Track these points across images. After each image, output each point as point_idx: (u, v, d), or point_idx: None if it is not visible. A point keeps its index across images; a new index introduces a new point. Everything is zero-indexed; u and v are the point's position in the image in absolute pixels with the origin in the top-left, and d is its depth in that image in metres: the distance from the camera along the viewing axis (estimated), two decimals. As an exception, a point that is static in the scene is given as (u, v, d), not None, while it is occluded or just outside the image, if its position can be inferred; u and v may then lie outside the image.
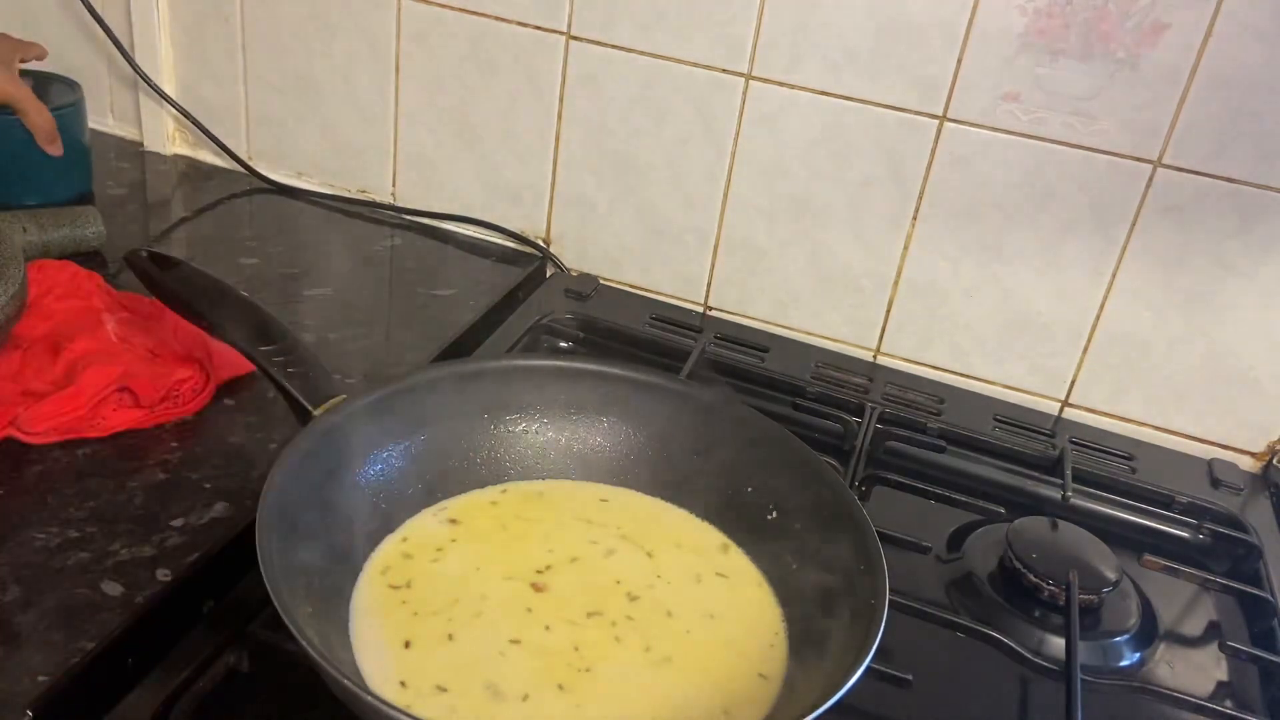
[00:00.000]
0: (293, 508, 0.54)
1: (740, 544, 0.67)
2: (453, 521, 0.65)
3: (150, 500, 0.64)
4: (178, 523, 0.62)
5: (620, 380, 0.72)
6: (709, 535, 0.68)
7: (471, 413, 0.69)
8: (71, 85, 0.98)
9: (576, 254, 1.03)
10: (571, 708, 0.53)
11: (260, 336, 0.65)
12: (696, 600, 0.62)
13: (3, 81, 0.89)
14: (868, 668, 0.50)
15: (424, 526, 0.64)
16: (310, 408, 0.61)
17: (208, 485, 0.66)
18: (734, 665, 0.58)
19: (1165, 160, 0.82)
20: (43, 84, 0.97)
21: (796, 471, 0.66)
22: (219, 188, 1.08)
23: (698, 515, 0.69)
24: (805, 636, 0.60)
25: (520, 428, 0.71)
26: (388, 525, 0.63)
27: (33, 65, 0.97)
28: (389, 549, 0.62)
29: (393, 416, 0.64)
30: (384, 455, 0.64)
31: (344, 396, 0.62)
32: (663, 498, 0.70)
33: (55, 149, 0.92)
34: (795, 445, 0.67)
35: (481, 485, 0.69)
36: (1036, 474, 0.83)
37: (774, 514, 0.66)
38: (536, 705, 0.53)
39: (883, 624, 0.53)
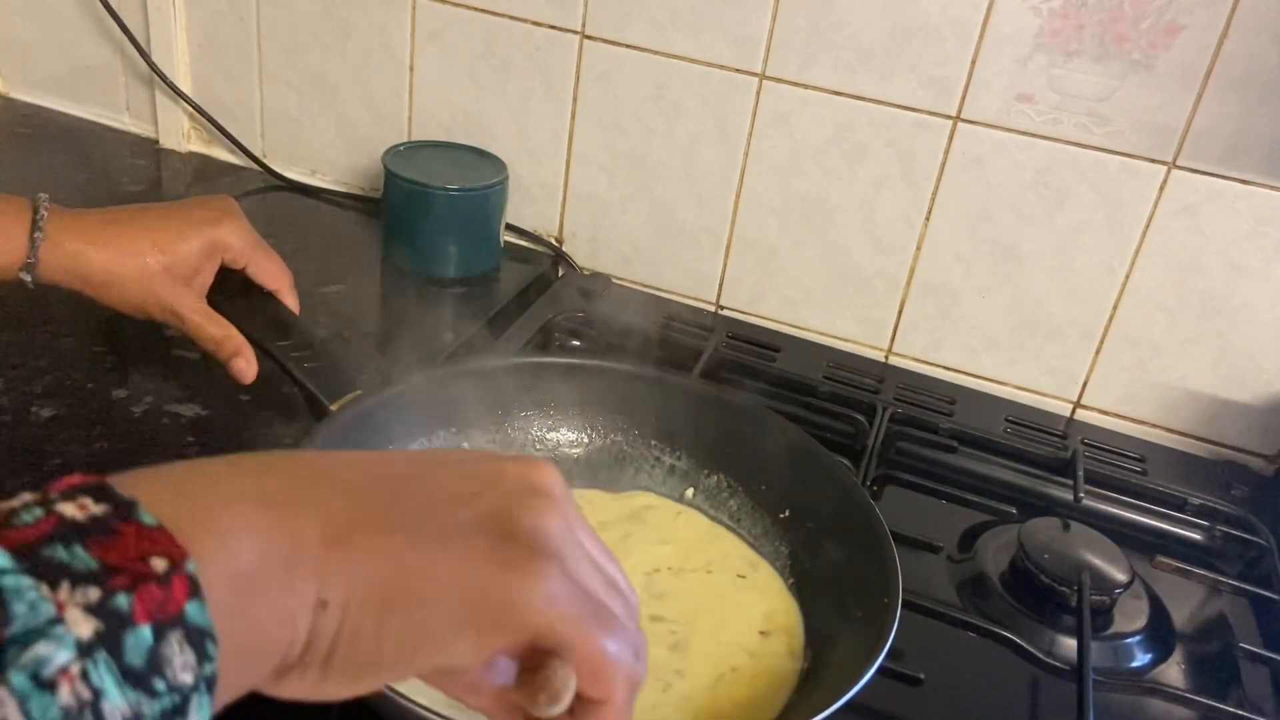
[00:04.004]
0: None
1: (752, 541, 0.67)
2: None
3: (167, 494, 0.64)
4: (194, 517, 0.62)
5: (633, 378, 0.72)
6: (724, 536, 0.68)
7: (487, 409, 0.70)
8: (497, 163, 0.97)
9: (589, 253, 1.03)
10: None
11: (277, 331, 0.66)
12: (708, 598, 0.62)
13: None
14: (879, 667, 0.50)
15: None
16: (327, 403, 0.61)
17: (224, 480, 0.66)
18: (745, 664, 0.58)
19: (1180, 162, 0.82)
20: (470, 160, 0.97)
21: (810, 471, 0.66)
22: (233, 185, 1.08)
23: (712, 515, 0.69)
24: (817, 635, 0.60)
25: (535, 424, 0.71)
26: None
27: (460, 140, 0.97)
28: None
29: (409, 412, 0.65)
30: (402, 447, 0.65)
31: (360, 392, 0.62)
32: (675, 496, 0.70)
33: (243, 372, 0.68)
34: (809, 444, 0.67)
35: None
36: (1048, 475, 0.83)
37: (787, 512, 0.67)
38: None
39: (895, 625, 0.53)
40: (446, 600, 0.29)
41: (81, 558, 0.24)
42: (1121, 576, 0.69)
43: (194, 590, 0.25)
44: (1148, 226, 0.85)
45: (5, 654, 0.21)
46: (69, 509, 0.25)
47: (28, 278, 0.64)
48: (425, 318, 0.90)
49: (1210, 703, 0.63)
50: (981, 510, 0.79)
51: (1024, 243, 0.88)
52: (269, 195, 1.08)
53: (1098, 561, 0.70)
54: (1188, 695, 0.64)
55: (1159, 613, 0.71)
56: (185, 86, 1.10)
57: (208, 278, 0.69)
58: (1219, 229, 0.83)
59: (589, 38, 0.94)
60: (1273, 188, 0.80)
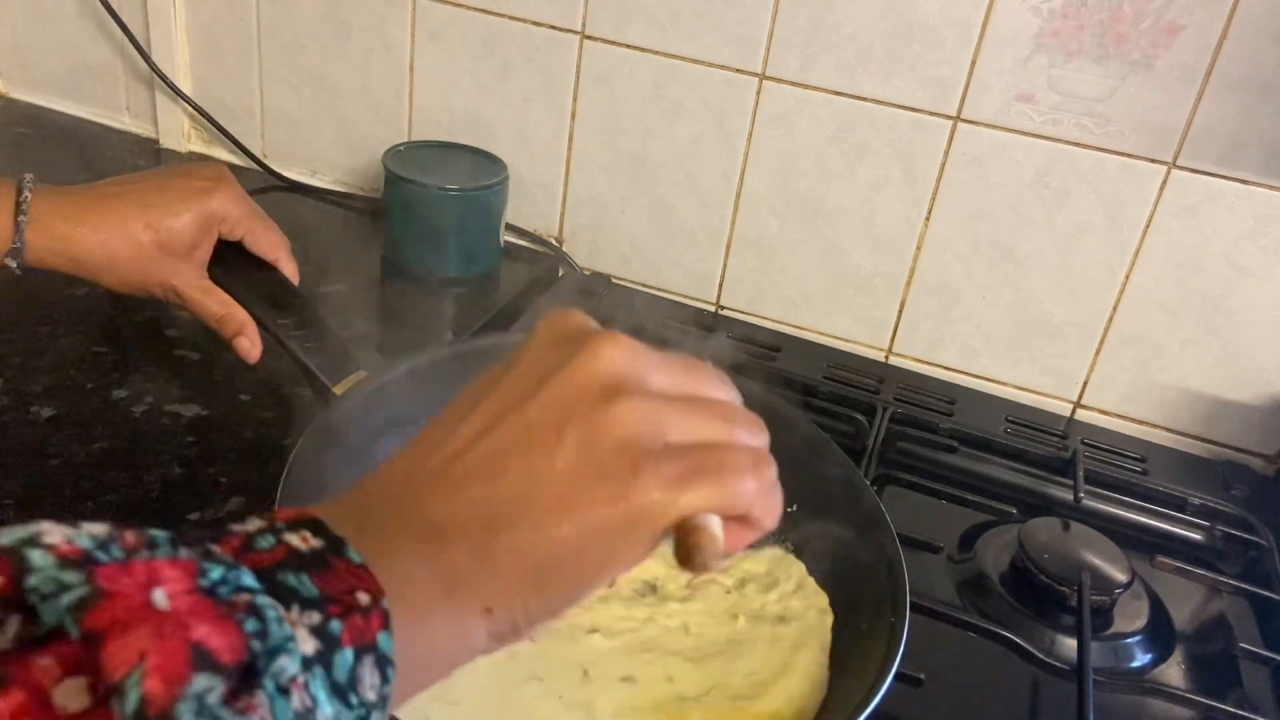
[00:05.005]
0: (312, 498, 0.54)
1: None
2: None
3: (167, 494, 0.64)
4: (194, 516, 0.63)
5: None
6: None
7: None
8: (497, 163, 0.97)
9: (589, 253, 1.03)
10: (581, 702, 0.54)
11: (278, 307, 0.65)
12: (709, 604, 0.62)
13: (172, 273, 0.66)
14: (885, 693, 0.50)
15: None
16: (329, 384, 0.60)
17: (224, 480, 0.66)
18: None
19: (1179, 162, 0.82)
20: (470, 160, 0.97)
21: (820, 467, 0.65)
22: (234, 185, 1.08)
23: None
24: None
25: None
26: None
27: (460, 140, 0.96)
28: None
29: (414, 395, 0.63)
30: (408, 435, 0.64)
31: (364, 373, 0.62)
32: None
33: (247, 352, 0.67)
34: (821, 440, 0.66)
35: None
36: (1048, 475, 0.83)
37: (794, 507, 0.66)
38: (559, 694, 0.53)
39: (901, 650, 0.52)
40: (587, 552, 0.33)
41: (306, 585, 0.28)
42: (1121, 576, 0.69)
43: (385, 623, 0.29)
44: (1148, 226, 0.85)
45: (260, 662, 0.25)
46: (294, 539, 0.29)
47: (13, 263, 0.61)
48: (425, 317, 0.90)
49: (1210, 703, 0.63)
50: (981, 510, 0.79)
51: (1024, 243, 0.88)
52: (269, 195, 1.08)
53: (1098, 561, 0.70)
54: (1188, 695, 0.64)
55: (1159, 613, 0.71)
56: (185, 86, 1.10)
57: (206, 251, 0.67)
58: (1219, 229, 0.83)
59: (589, 38, 0.94)
60: (1273, 188, 0.80)
